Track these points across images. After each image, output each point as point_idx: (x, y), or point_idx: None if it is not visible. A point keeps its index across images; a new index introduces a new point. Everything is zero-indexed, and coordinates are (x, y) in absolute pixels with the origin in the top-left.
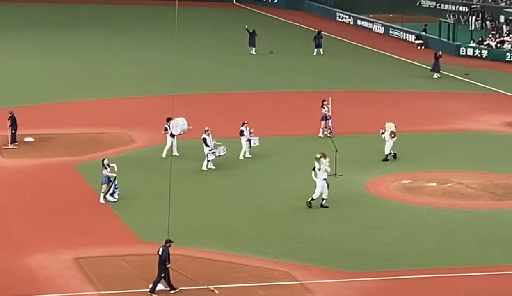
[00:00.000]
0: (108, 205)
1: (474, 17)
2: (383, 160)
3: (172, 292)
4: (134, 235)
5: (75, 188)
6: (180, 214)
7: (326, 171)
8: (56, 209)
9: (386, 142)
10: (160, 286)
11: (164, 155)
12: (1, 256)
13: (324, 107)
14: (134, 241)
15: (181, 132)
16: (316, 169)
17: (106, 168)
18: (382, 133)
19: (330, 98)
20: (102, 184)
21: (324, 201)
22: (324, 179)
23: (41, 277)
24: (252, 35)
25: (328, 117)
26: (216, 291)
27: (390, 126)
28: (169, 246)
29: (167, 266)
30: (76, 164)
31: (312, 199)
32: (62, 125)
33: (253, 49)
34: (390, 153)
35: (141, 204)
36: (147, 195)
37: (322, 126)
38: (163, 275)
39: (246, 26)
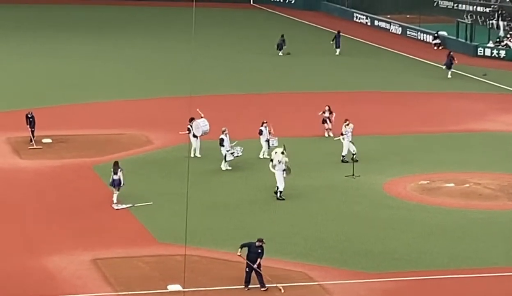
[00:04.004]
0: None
1: (502, 22)
2: (354, 161)
3: (262, 289)
4: (151, 236)
5: (92, 189)
6: (197, 215)
7: (281, 162)
8: (74, 210)
9: (344, 142)
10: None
11: (192, 155)
12: (19, 257)
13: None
14: (151, 242)
15: (203, 134)
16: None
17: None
18: (347, 124)
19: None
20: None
21: (280, 193)
22: (283, 170)
23: (59, 278)
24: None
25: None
26: (283, 290)
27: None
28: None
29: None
30: (94, 165)
31: (280, 192)
32: (79, 127)
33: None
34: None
35: (159, 205)
36: (165, 196)
37: (326, 128)
38: (247, 270)
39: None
